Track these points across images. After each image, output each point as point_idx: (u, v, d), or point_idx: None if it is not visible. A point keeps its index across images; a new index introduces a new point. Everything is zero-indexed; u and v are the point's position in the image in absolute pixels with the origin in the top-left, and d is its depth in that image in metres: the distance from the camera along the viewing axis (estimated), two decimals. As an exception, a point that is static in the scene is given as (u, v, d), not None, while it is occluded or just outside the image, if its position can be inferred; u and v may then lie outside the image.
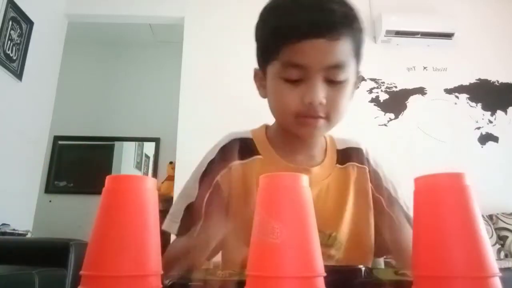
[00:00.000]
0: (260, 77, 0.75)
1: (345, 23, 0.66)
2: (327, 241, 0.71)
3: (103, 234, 0.36)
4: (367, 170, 0.80)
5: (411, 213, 0.78)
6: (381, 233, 0.75)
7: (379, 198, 0.78)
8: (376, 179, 0.80)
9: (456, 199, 0.36)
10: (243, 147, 0.76)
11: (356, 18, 0.69)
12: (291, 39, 0.65)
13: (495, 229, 2.61)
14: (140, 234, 0.36)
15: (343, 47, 0.66)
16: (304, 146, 0.77)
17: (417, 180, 0.38)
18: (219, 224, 0.70)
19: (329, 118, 0.69)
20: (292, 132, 0.72)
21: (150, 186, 0.38)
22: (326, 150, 0.80)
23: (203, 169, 0.74)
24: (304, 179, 0.37)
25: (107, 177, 0.38)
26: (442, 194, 0.36)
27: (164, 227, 0.72)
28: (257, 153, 0.76)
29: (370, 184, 0.79)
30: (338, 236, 0.73)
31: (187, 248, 0.67)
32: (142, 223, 0.36)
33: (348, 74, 0.68)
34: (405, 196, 0.79)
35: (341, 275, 0.44)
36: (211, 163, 0.74)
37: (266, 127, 0.81)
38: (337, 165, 0.79)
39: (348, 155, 0.81)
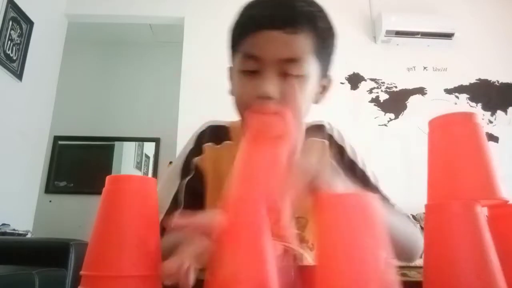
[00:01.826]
0: (231, 74, 0.77)
1: (306, 19, 0.66)
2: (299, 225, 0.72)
3: (103, 234, 0.36)
4: (327, 144, 0.80)
5: (379, 185, 0.78)
6: None
7: (339, 170, 0.77)
8: (339, 152, 0.80)
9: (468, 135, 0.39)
10: (217, 133, 0.80)
11: (323, 18, 0.69)
12: (249, 30, 0.66)
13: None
14: (140, 234, 0.36)
15: (301, 42, 0.65)
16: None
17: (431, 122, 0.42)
18: (198, 208, 0.71)
19: None
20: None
21: (150, 186, 0.38)
22: None
23: (184, 157, 0.78)
24: None
25: (107, 177, 0.38)
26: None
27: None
28: (230, 140, 0.79)
29: (330, 158, 0.78)
30: (305, 217, 0.72)
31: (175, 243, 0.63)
32: (142, 223, 0.36)
33: (306, 71, 0.67)
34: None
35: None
36: (190, 152, 0.78)
37: None
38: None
39: (309, 133, 0.80)
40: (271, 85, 0.65)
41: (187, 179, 0.75)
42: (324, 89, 0.77)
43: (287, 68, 0.66)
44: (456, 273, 0.34)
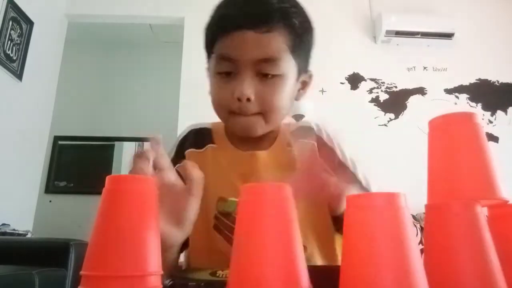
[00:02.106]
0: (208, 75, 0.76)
1: (278, 16, 0.65)
2: None
3: (103, 234, 0.36)
4: (315, 146, 0.77)
5: (371, 188, 0.77)
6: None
7: (331, 173, 0.77)
8: (328, 154, 0.77)
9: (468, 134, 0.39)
10: (199, 137, 0.78)
11: (298, 14, 0.67)
12: (222, 31, 0.65)
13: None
14: (140, 234, 0.36)
15: (274, 41, 0.64)
16: (252, 142, 0.75)
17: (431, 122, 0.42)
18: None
19: (265, 115, 0.68)
20: (230, 128, 0.73)
21: (150, 186, 0.38)
22: (277, 137, 0.79)
23: None
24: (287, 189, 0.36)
25: (107, 177, 0.38)
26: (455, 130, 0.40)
27: None
28: (212, 142, 0.77)
29: (319, 161, 0.75)
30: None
31: None
32: (142, 223, 0.36)
33: (283, 70, 0.66)
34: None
35: (324, 274, 0.44)
36: (171, 162, 0.75)
37: None
38: (288, 148, 0.77)
39: (297, 135, 0.79)
40: (247, 87, 0.64)
41: None
42: (304, 85, 0.75)
43: (263, 68, 0.65)
44: (456, 273, 0.34)
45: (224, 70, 0.66)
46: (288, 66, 0.67)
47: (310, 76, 0.76)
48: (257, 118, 0.68)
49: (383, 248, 0.30)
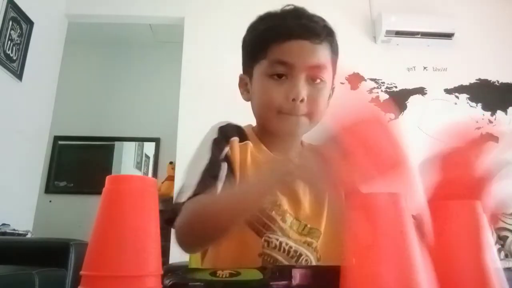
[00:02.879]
0: (245, 82, 0.82)
1: (325, 32, 0.76)
2: (301, 231, 0.75)
3: (103, 234, 0.36)
4: None
5: None
6: None
7: None
8: None
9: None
10: (238, 130, 0.81)
11: (333, 32, 0.79)
12: (279, 38, 0.73)
13: (496, 229, 2.61)
14: (140, 234, 0.36)
15: (323, 51, 0.75)
16: (282, 147, 0.81)
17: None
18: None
19: (310, 116, 0.75)
20: (272, 129, 0.77)
21: (150, 186, 0.38)
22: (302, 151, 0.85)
23: (210, 142, 0.76)
24: None
25: (107, 177, 0.38)
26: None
27: (176, 199, 0.70)
28: (248, 140, 0.80)
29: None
30: (319, 230, 0.76)
31: (237, 195, 0.64)
32: (142, 223, 0.36)
33: (327, 77, 0.76)
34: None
35: (324, 274, 0.44)
36: (216, 140, 0.76)
37: (252, 126, 0.86)
38: None
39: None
40: (303, 88, 0.72)
41: (222, 157, 0.73)
42: (329, 97, 0.82)
43: (313, 74, 0.74)
44: (456, 273, 0.34)
45: (278, 73, 0.73)
46: (329, 75, 0.77)
47: (333, 89, 0.84)
48: (304, 118, 0.75)
49: (383, 248, 0.30)
